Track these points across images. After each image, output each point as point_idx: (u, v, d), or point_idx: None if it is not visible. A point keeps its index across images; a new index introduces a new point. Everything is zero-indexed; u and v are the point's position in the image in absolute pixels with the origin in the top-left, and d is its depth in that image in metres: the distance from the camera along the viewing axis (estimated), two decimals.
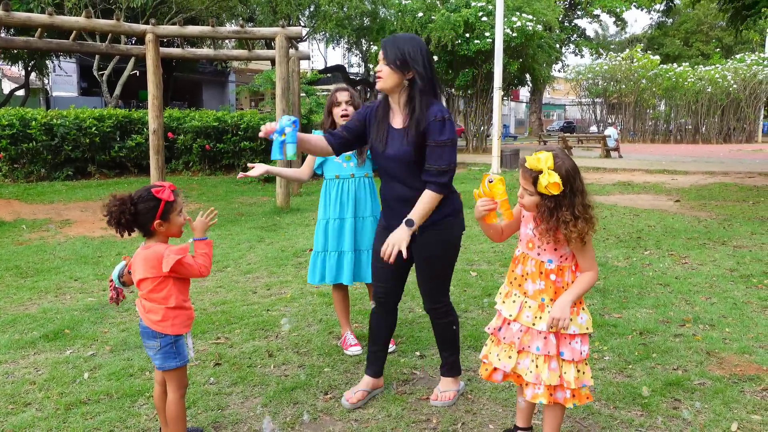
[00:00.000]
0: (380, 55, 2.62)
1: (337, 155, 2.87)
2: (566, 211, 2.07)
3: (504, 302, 2.32)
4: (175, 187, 2.32)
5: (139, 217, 2.22)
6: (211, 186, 11.31)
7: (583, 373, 2.22)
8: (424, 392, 2.98)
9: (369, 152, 3.38)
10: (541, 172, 2.07)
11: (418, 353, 3.47)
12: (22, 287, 4.88)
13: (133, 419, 2.73)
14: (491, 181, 2.22)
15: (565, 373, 2.18)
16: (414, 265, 2.83)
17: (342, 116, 3.34)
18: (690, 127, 33.07)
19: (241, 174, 3.32)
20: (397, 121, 2.68)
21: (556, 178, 2.04)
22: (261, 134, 2.53)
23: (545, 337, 2.18)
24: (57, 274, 5.28)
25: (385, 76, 2.59)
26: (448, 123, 2.56)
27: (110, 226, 2.24)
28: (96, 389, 3.00)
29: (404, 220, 2.55)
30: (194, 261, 2.28)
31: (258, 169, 3.22)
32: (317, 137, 2.80)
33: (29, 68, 22.65)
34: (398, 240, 2.53)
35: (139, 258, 2.28)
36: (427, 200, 2.56)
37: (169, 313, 2.28)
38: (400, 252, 2.52)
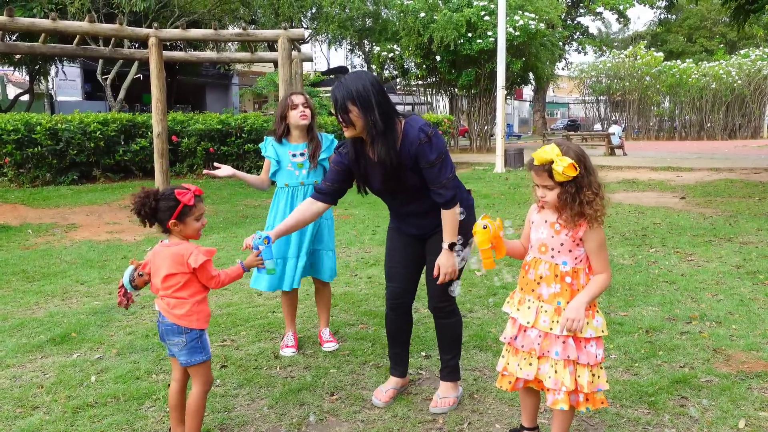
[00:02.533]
0: (336, 108, 2.50)
1: (335, 204, 2.84)
2: (587, 190, 2.10)
3: (518, 309, 2.27)
4: (200, 192, 2.37)
5: (158, 212, 2.31)
6: (216, 189, 11.33)
7: (598, 377, 2.19)
8: (430, 392, 2.98)
9: (325, 158, 3.45)
10: (552, 162, 2.08)
11: (423, 353, 3.47)
12: (28, 291, 4.91)
13: (140, 422, 2.73)
14: (485, 227, 2.21)
15: (579, 376, 2.16)
16: (427, 262, 2.81)
17: (301, 116, 3.36)
18: (695, 123, 32.95)
19: (206, 171, 3.37)
20: (371, 153, 2.60)
21: (569, 160, 2.07)
22: (243, 247, 2.55)
23: (564, 342, 2.15)
24: (63, 278, 5.30)
25: (349, 127, 2.49)
26: (434, 139, 2.50)
27: (133, 214, 2.36)
28: (103, 392, 3.01)
29: (446, 245, 2.58)
30: (218, 270, 2.37)
31: (224, 170, 3.37)
32: (304, 209, 2.72)
33: (34, 73, 22.75)
34: (449, 266, 2.60)
35: (164, 255, 2.32)
36: (449, 219, 2.59)
37: (195, 307, 2.34)
38: (417, 254, 2.76)
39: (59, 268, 5.70)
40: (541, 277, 2.22)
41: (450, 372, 2.88)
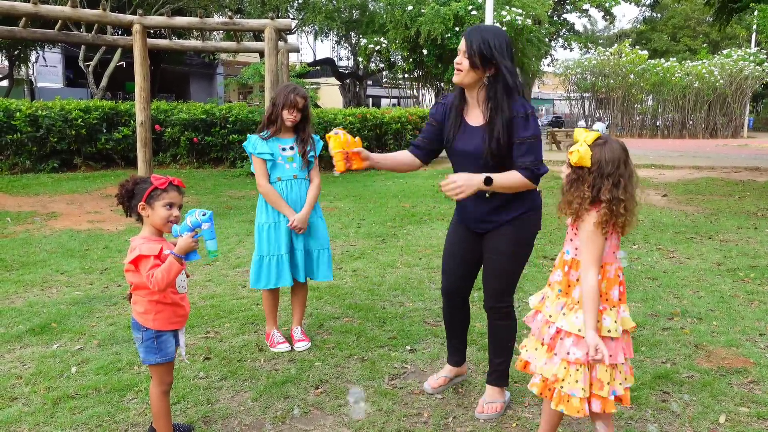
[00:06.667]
0: (461, 46, 2.47)
1: (427, 164, 2.83)
2: (587, 188, 2.04)
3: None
4: (181, 184, 2.30)
5: (134, 197, 2.27)
6: (200, 179, 11.22)
7: (614, 379, 2.13)
8: (415, 386, 2.98)
9: (312, 155, 3.42)
10: (576, 142, 2.08)
11: (408, 347, 3.47)
12: (6, 281, 4.82)
13: (121, 414, 2.70)
14: (337, 134, 2.55)
15: (547, 363, 2.16)
16: (483, 259, 2.71)
17: (291, 120, 3.32)
18: (677, 122, 33.33)
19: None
20: (474, 117, 2.57)
21: (583, 150, 2.02)
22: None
23: (557, 331, 2.16)
24: (43, 268, 5.22)
25: (465, 70, 2.47)
26: (531, 119, 2.47)
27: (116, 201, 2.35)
28: (84, 384, 2.97)
29: (485, 175, 2.39)
30: (153, 269, 2.16)
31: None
32: (402, 153, 2.75)
33: (13, 59, 22.31)
34: (466, 183, 2.37)
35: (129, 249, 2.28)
36: (512, 176, 2.45)
37: (152, 306, 2.26)
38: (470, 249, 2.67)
39: (39, 257, 5.61)
40: (556, 264, 2.26)
41: (498, 377, 2.75)
